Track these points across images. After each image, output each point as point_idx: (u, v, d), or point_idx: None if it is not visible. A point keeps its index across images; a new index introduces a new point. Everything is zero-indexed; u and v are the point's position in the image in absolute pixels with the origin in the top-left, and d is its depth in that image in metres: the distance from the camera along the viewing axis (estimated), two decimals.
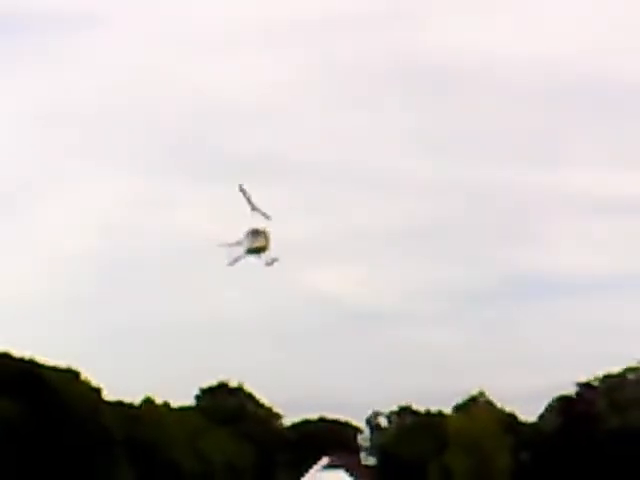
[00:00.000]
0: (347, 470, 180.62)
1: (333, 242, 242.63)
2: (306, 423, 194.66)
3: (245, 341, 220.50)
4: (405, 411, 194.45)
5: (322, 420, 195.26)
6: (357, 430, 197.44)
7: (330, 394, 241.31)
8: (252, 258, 48.59)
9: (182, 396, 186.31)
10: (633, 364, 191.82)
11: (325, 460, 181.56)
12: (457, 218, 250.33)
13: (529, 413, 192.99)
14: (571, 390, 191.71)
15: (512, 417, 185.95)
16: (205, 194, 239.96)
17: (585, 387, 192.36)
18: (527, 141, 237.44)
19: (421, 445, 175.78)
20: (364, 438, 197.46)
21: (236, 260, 48.87)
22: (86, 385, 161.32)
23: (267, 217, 48.48)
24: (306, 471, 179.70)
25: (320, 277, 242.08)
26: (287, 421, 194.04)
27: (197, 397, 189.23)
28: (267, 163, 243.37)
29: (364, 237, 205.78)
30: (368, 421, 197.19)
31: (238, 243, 48.32)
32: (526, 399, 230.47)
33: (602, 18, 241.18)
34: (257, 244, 47.65)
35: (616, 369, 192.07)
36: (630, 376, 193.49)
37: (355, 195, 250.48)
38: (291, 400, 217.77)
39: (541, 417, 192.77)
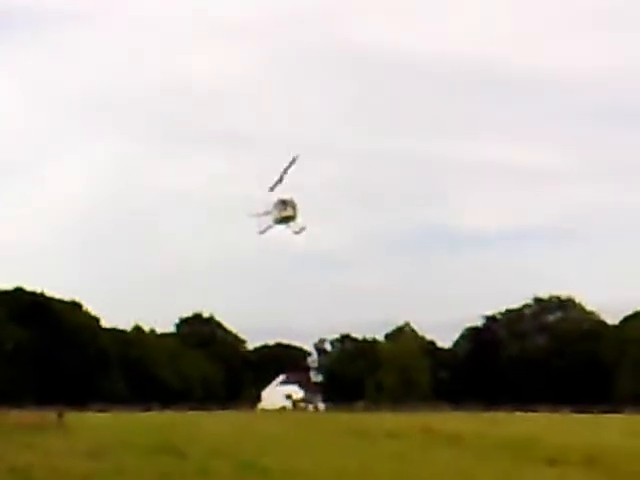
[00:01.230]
0: (299, 385, 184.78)
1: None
2: (266, 347, 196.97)
3: (215, 280, 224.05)
4: (346, 338, 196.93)
5: (279, 345, 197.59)
6: (307, 353, 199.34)
7: (285, 324, 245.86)
8: (281, 227, 44.11)
9: (165, 325, 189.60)
10: (529, 301, 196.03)
11: (281, 377, 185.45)
12: (384, 179, 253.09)
13: (445, 340, 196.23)
14: (479, 322, 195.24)
15: (432, 343, 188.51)
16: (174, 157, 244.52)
17: (490, 319, 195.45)
18: (440, 117, 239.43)
19: (358, 366, 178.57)
20: (313, 360, 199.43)
21: (267, 229, 44.56)
22: (87, 315, 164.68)
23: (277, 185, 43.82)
24: (266, 386, 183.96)
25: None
26: (250, 345, 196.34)
27: (177, 326, 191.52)
28: (232, 136, 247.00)
29: (311, 195, 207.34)
30: (316, 346, 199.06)
31: (266, 213, 43.96)
32: (443, 329, 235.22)
33: (491, 22, 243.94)
34: (285, 214, 43.20)
35: (515, 305, 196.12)
36: (526, 311, 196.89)
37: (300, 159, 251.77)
38: (254, 329, 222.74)
39: (455, 344, 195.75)
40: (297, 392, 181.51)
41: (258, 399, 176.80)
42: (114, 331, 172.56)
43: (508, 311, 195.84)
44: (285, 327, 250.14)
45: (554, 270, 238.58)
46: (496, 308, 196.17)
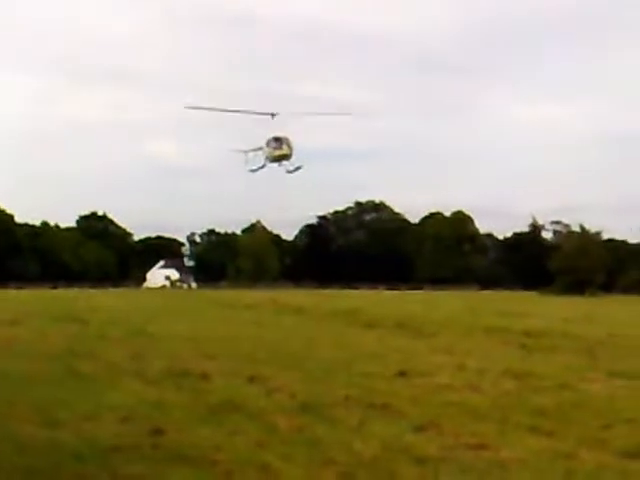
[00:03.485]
0: (176, 268, 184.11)
1: (165, 122, 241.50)
2: (149, 239, 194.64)
3: (108, 187, 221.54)
4: (212, 232, 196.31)
5: (159, 237, 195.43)
6: (181, 244, 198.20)
7: (164, 221, 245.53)
8: (275, 165, 35.97)
9: (67, 221, 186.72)
10: (351, 205, 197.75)
11: (161, 262, 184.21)
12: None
13: (289, 235, 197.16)
14: (314, 220, 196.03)
15: (278, 237, 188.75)
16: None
17: (322, 218, 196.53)
18: (297, 67, 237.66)
19: (222, 254, 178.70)
20: (186, 249, 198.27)
21: (259, 168, 36.27)
22: (3, 212, 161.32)
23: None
24: (149, 269, 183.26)
25: (152, 146, 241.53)
26: (136, 238, 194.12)
27: (77, 221, 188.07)
28: (124, 74, 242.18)
29: (187, 121, 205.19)
30: (188, 238, 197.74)
31: (257, 149, 36.11)
32: (287, 226, 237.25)
33: None
34: (280, 152, 35.10)
35: (341, 207, 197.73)
36: (350, 212, 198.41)
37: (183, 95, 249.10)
38: (139, 224, 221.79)
39: (296, 237, 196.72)
40: (174, 274, 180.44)
41: (143, 280, 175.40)
42: (26, 226, 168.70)
43: (336, 212, 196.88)
44: (164, 223, 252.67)
45: (371, 181, 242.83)
46: (327, 210, 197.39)
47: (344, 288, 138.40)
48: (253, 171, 36.67)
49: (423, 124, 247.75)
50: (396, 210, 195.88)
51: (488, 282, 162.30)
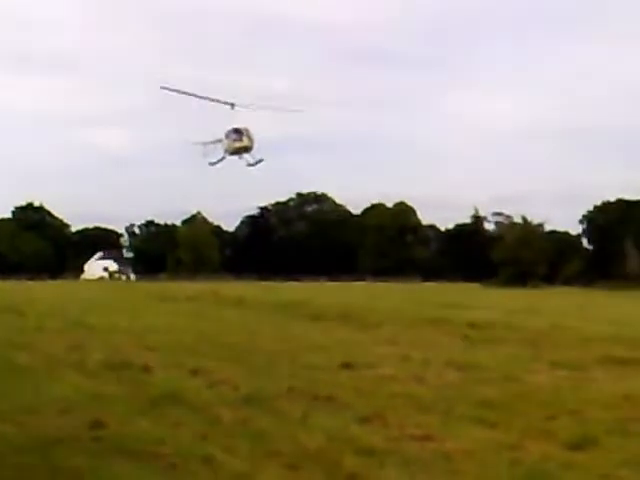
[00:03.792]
0: (114, 260, 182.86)
1: (103, 111, 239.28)
2: (86, 230, 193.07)
3: (44, 177, 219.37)
4: (151, 224, 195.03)
5: (97, 228, 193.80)
6: (120, 235, 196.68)
7: (102, 212, 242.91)
8: (235, 158, 33.24)
9: (2, 212, 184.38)
10: (293, 196, 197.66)
11: (99, 254, 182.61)
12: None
13: (230, 226, 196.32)
14: (255, 211, 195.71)
15: (219, 228, 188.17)
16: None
17: (264, 209, 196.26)
18: (234, 58, 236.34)
19: (161, 245, 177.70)
20: (124, 240, 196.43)
21: (219, 161, 33.46)
22: None
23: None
24: (87, 261, 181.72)
25: (89, 136, 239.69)
26: (73, 229, 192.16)
27: (13, 212, 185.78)
28: (61, 61, 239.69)
29: (125, 110, 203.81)
30: (127, 229, 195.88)
31: (217, 142, 33.51)
32: (227, 217, 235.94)
33: None
34: (240, 144, 32.64)
35: (283, 199, 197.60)
36: (291, 203, 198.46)
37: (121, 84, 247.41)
38: (76, 215, 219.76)
39: (237, 228, 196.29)
40: (112, 265, 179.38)
41: (81, 271, 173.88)
42: None
43: (277, 203, 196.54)
44: (102, 214, 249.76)
45: (312, 172, 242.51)
46: (268, 201, 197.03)
47: (285, 280, 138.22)
48: (212, 164, 34.05)
49: (365, 115, 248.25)
50: (338, 201, 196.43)
51: (430, 273, 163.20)
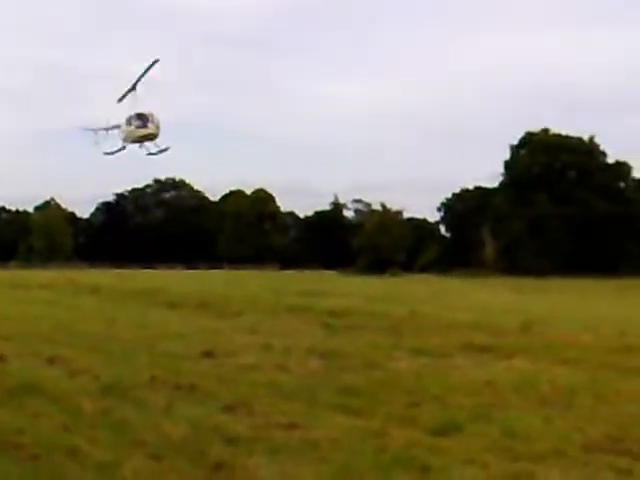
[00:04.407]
0: None
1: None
2: None
3: None
4: (2, 210, 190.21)
5: None
6: None
7: None
8: (135, 146, 29.55)
9: None
10: (150, 182, 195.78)
11: None
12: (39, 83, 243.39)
13: (84, 212, 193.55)
14: (111, 198, 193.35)
15: (73, 214, 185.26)
16: None
17: (120, 196, 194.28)
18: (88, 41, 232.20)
19: (12, 232, 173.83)
20: None
21: (118, 150, 29.75)
22: None
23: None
24: None
25: None
26: None
27: None
28: None
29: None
30: None
31: (112, 128, 29.72)
32: (82, 203, 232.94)
33: None
34: (145, 131, 28.97)
35: (139, 185, 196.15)
36: (148, 190, 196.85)
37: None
38: None
39: (92, 215, 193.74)
40: None
41: None
42: None
43: (134, 189, 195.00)
44: None
45: (170, 158, 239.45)
46: (125, 187, 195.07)
47: (141, 267, 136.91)
48: (109, 154, 30.45)
49: (224, 101, 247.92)
50: (196, 188, 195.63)
51: (289, 261, 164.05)
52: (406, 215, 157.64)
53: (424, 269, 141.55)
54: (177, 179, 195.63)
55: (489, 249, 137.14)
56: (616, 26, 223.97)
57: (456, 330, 27.75)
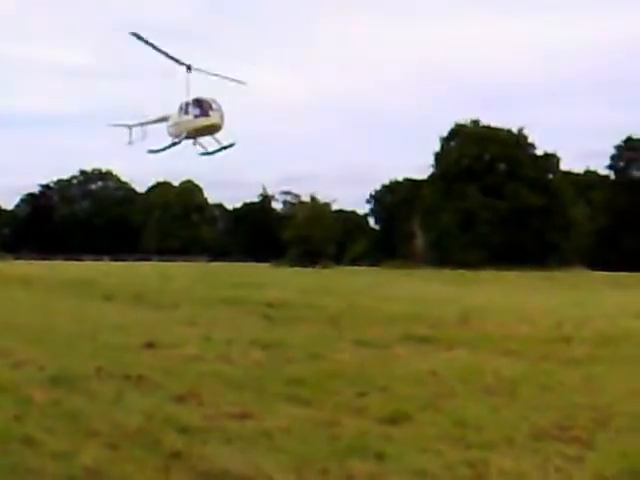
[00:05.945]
0: None
1: None
2: None
3: None
4: None
5: None
6: None
7: None
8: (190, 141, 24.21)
9: None
10: (76, 173, 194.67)
11: None
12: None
13: (8, 204, 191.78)
14: (36, 189, 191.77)
15: None
16: None
17: (45, 187, 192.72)
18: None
19: None
20: None
21: (169, 146, 24.56)
22: None
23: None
24: None
25: None
26: None
27: None
28: None
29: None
30: None
31: (155, 121, 24.74)
32: (5, 194, 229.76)
33: None
34: (206, 122, 23.80)
35: (65, 176, 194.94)
36: (74, 181, 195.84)
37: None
38: None
39: (16, 206, 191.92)
40: None
41: None
42: None
43: (60, 181, 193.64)
44: None
45: (95, 148, 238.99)
46: (50, 178, 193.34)
47: (68, 259, 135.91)
48: (155, 152, 24.65)
49: (147, 90, 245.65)
50: (123, 179, 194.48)
51: (217, 253, 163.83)
52: (335, 207, 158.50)
53: (354, 261, 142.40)
54: (103, 170, 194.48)
55: (419, 241, 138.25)
56: (544, 15, 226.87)
57: (395, 321, 28.06)
